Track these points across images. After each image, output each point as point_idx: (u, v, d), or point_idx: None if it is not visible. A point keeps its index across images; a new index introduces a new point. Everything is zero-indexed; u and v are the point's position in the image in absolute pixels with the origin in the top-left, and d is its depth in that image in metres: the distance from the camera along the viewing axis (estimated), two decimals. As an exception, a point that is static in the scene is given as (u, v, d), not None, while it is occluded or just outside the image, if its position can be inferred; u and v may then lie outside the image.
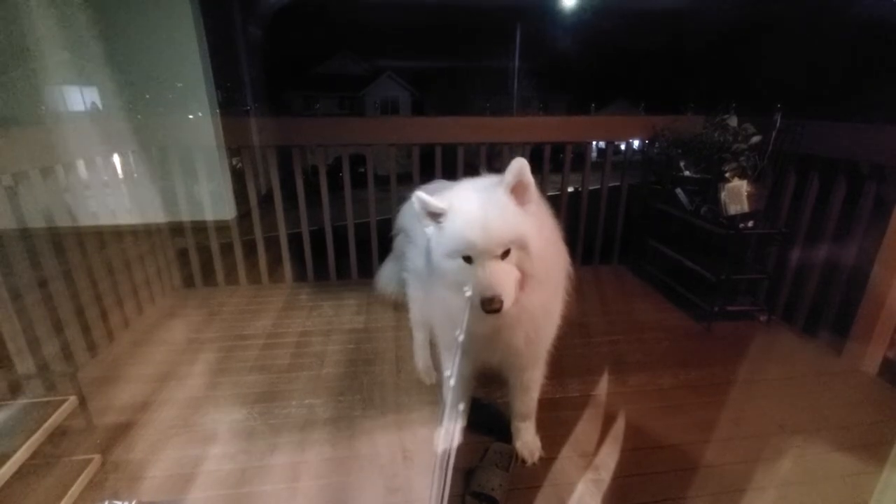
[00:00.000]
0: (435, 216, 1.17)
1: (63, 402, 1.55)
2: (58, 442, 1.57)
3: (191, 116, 2.83)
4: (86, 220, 2.24)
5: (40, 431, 1.42)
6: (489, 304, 1.07)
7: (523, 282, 1.15)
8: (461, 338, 1.13)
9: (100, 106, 2.79)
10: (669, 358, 2.24)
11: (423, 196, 1.15)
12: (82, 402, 1.65)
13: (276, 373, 2.11)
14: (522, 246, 1.12)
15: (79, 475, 1.46)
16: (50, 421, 1.46)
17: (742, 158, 2.37)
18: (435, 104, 22.29)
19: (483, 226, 1.09)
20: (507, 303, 1.09)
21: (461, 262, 1.14)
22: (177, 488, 1.49)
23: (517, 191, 1.13)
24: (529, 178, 1.13)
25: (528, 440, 1.61)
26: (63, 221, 2.07)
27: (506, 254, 1.11)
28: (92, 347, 2.16)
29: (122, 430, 1.73)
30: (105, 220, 2.40)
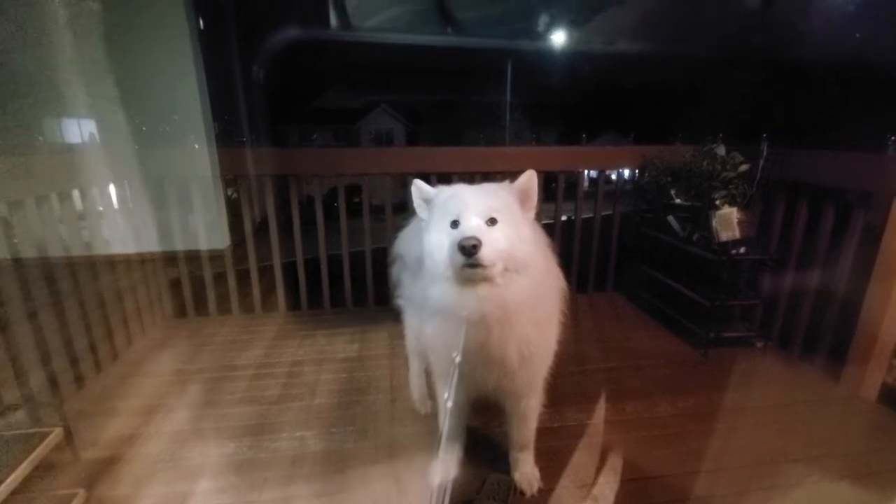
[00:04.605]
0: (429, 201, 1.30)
1: (48, 434, 1.51)
2: (42, 475, 1.52)
3: (187, 148, 2.85)
4: (79, 250, 2.22)
5: (25, 464, 1.37)
6: (468, 244, 1.08)
7: (509, 261, 1.16)
8: (458, 359, 1.13)
9: (97, 137, 2.81)
10: (666, 385, 2.22)
11: (419, 182, 1.31)
12: (68, 434, 1.61)
13: (267, 404, 2.07)
14: (512, 221, 1.18)
15: (61, 511, 1.40)
16: (35, 453, 1.42)
17: (731, 186, 2.42)
18: (428, 136, 22.69)
19: (474, 189, 1.24)
20: (487, 251, 1.10)
21: (451, 232, 1.18)
22: (162, 525, 1.44)
23: (521, 195, 1.24)
24: (535, 188, 1.26)
25: (526, 471, 1.58)
26: (56, 251, 2.06)
27: (492, 223, 1.17)
28: (79, 379, 2.11)
29: (107, 464, 1.67)
30: (98, 249, 2.39)
